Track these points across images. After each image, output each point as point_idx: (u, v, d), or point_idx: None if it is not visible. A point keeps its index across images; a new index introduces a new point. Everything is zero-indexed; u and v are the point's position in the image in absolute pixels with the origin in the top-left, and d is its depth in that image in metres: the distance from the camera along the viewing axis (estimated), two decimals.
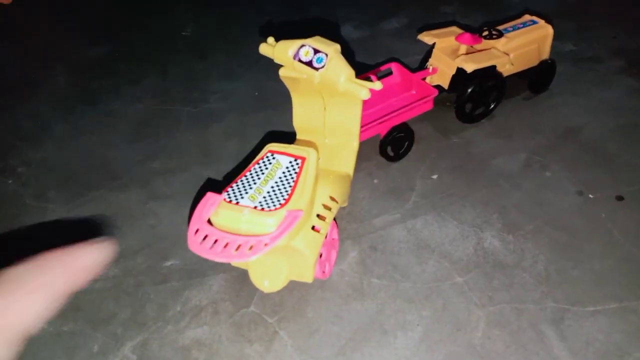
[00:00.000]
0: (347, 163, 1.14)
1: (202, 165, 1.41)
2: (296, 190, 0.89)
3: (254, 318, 1.03)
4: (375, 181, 1.31)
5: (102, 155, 1.49)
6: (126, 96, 1.75)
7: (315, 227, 0.95)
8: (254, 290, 1.06)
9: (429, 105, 1.36)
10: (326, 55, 0.96)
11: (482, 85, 1.38)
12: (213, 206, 0.87)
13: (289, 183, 0.90)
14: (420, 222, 1.19)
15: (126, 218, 1.28)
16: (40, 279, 0.23)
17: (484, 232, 1.15)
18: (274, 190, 0.89)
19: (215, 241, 0.83)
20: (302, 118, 1.17)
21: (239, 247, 0.81)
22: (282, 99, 1.62)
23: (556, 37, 1.49)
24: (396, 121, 1.32)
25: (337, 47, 0.97)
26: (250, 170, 0.94)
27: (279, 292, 1.04)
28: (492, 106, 1.46)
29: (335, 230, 1.12)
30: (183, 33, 2.12)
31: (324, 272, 1.04)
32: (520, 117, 1.48)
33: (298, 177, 0.92)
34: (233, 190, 0.89)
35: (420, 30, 1.47)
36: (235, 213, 0.85)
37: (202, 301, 1.07)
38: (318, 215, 0.96)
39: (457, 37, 1.39)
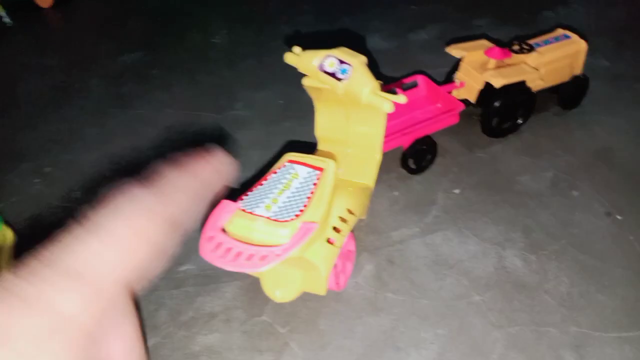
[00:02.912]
0: (368, 175, 1.12)
1: None
2: (312, 202, 0.88)
3: (265, 327, 1.02)
4: (396, 193, 1.29)
5: (130, 159, 1.52)
6: (156, 102, 1.78)
7: (330, 240, 0.94)
8: (267, 299, 1.05)
9: (454, 119, 1.34)
10: (351, 66, 0.95)
11: (510, 101, 1.35)
12: (228, 214, 0.87)
13: (305, 194, 0.89)
14: (440, 237, 1.16)
15: None
16: (183, 181, 0.25)
17: (505, 250, 1.12)
18: (290, 201, 0.88)
19: (228, 249, 0.82)
20: (324, 128, 1.16)
21: (250, 256, 0.80)
22: (306, 107, 1.61)
23: (591, 53, 1.45)
24: (420, 134, 1.30)
25: (363, 58, 0.97)
26: (267, 179, 0.94)
27: (292, 302, 1.03)
28: (520, 122, 1.43)
29: (352, 242, 1.11)
30: (213, 40, 2.15)
31: (338, 283, 1.03)
32: (550, 134, 1.44)
33: (315, 188, 0.91)
34: (249, 198, 0.89)
35: (450, 43, 1.45)
36: (249, 222, 0.84)
37: (215, 308, 1.07)
38: (334, 228, 0.95)
39: (486, 51, 1.36)
